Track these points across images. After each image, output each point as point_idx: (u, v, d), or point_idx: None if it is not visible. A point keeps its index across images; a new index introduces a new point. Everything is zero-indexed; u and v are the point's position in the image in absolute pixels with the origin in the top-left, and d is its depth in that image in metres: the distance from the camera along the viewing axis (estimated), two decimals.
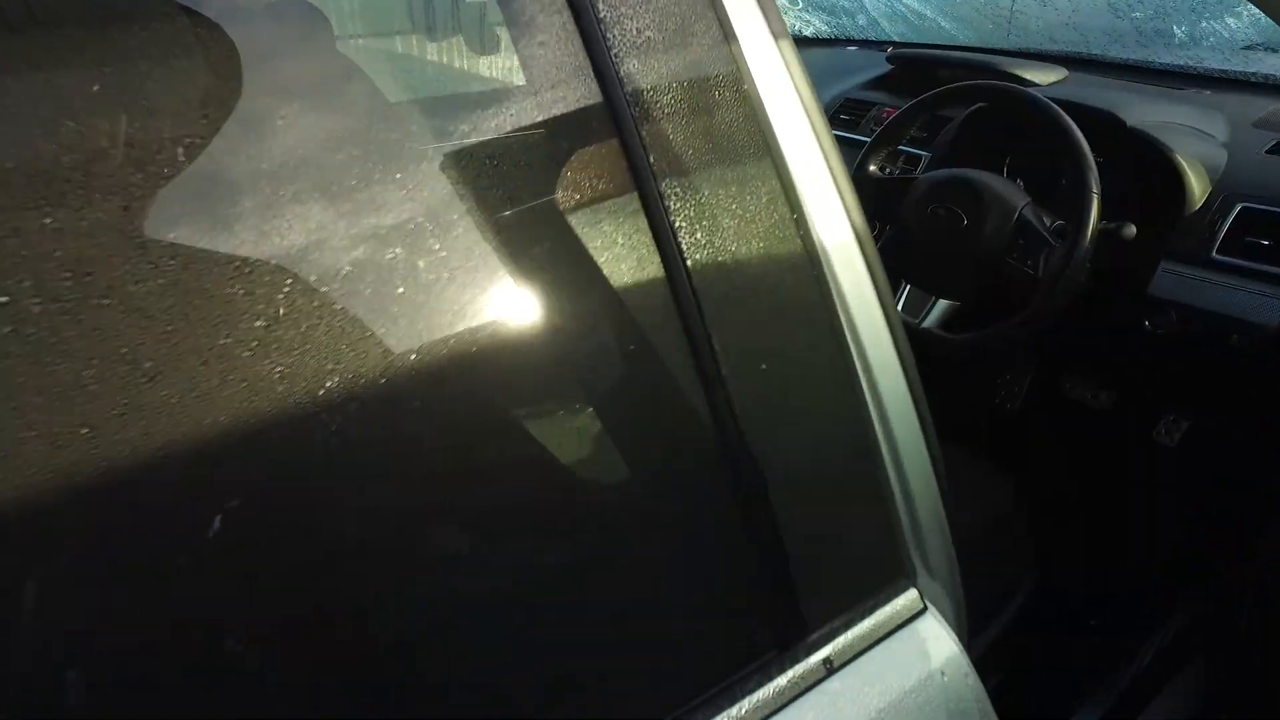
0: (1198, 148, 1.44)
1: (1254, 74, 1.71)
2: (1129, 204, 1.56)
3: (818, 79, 2.17)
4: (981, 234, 1.32)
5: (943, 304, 1.75)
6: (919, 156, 1.80)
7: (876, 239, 1.00)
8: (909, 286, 1.63)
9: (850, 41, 2.57)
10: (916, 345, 0.72)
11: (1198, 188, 1.40)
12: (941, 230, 1.36)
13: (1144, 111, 1.47)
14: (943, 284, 1.42)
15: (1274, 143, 1.46)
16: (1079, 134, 1.23)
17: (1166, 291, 1.43)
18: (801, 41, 2.71)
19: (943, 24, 2.33)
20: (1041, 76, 1.84)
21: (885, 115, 1.92)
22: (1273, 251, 1.33)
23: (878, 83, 2.13)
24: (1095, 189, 1.20)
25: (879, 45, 2.50)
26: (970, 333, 1.36)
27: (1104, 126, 1.54)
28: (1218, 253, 1.37)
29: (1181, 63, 1.84)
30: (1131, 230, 1.30)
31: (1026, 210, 1.30)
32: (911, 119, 1.47)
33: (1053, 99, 1.54)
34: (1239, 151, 1.46)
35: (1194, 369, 1.51)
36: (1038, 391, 2.11)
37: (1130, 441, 1.77)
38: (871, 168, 1.51)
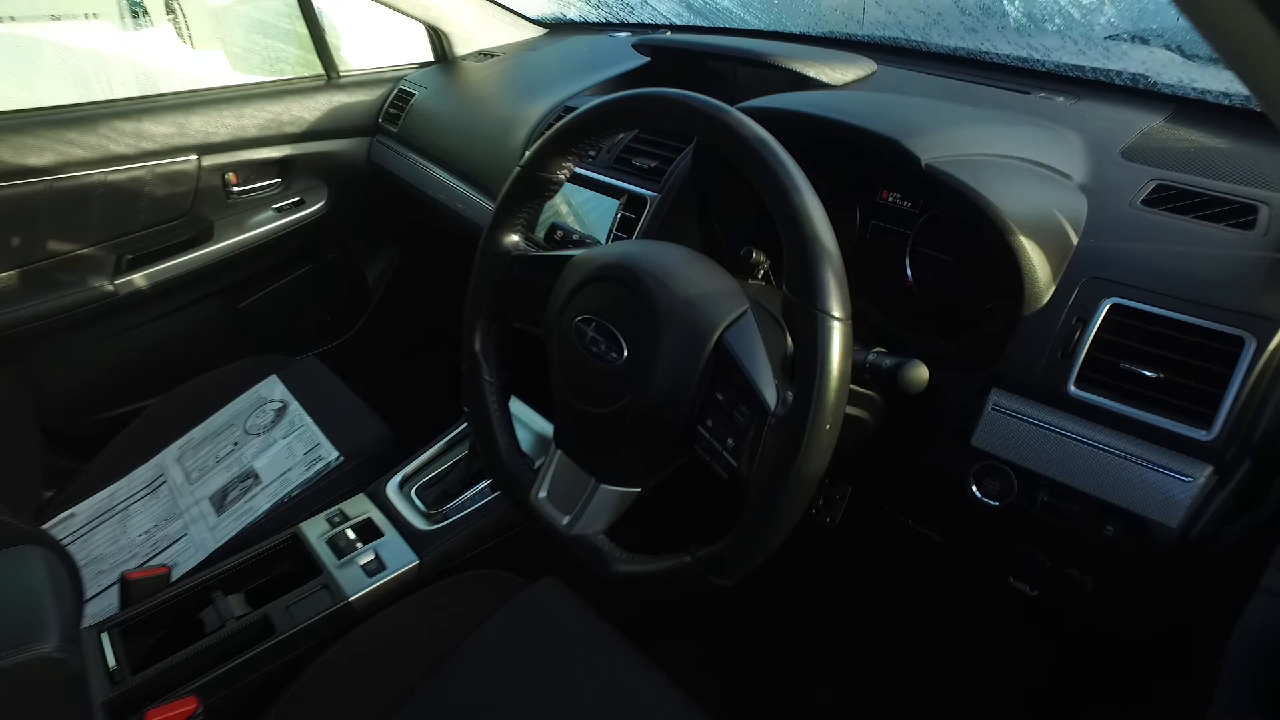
0: (1042, 199, 0.86)
1: (1120, 73, 1.16)
2: (927, 301, 0.97)
3: (564, 74, 1.50)
4: (648, 383, 0.69)
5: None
6: (642, 199, 1.17)
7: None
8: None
9: (622, 26, 1.94)
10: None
11: (1041, 271, 0.81)
12: (591, 368, 0.74)
13: (964, 137, 0.88)
14: (602, 460, 0.78)
15: (1152, 186, 0.90)
16: (801, 191, 0.62)
17: (996, 445, 0.84)
18: (563, 27, 2.06)
19: (728, 5, 1.72)
20: (837, 73, 1.24)
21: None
22: (1166, 387, 0.75)
23: (622, 83, 1.50)
24: (832, 303, 0.60)
25: (654, 29, 1.88)
26: (637, 563, 0.74)
27: (884, 167, 0.94)
28: (1076, 385, 0.79)
29: (1024, 54, 1.28)
30: (921, 375, 0.70)
31: (731, 339, 0.68)
32: (556, 154, 0.83)
33: (816, 110, 0.93)
34: (1104, 202, 0.88)
35: (1054, 550, 0.93)
36: (860, 508, 1.54)
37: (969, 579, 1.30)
38: (510, 239, 0.87)
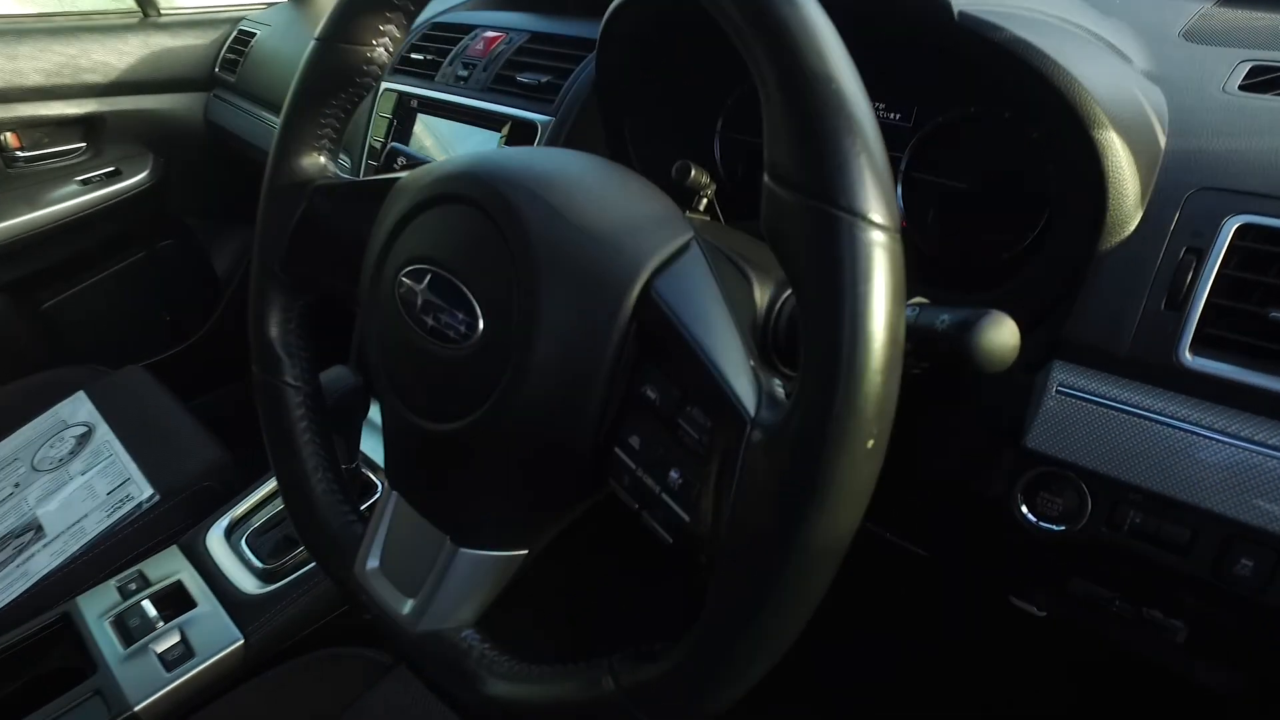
0: (1120, 76, 0.58)
1: None
2: (933, 248, 0.69)
3: None
4: (522, 375, 0.38)
5: None
6: (530, 126, 0.85)
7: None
8: None
9: None
10: None
11: (1130, 181, 0.54)
12: (425, 353, 0.42)
13: None
14: (459, 509, 0.46)
15: (1246, 69, 0.64)
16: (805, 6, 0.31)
17: (1062, 444, 0.57)
18: None
19: None
20: None
21: (482, 47, 0.97)
22: None
23: None
24: (868, 200, 0.29)
25: None
26: (524, 681, 0.43)
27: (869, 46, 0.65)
28: (1192, 350, 0.52)
29: None
30: (1007, 339, 0.40)
31: (666, 290, 0.38)
32: (370, 9, 0.50)
33: None
34: (1184, 91, 0.61)
35: (1129, 585, 0.66)
36: None
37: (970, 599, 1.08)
38: (308, 161, 0.54)
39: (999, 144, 0.65)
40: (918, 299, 0.45)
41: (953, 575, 1.19)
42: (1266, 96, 0.60)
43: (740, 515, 0.33)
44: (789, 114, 0.31)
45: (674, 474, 0.36)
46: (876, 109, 0.72)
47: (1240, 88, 0.61)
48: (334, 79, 0.53)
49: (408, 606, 0.47)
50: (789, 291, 0.49)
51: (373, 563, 0.50)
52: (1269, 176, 0.53)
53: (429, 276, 0.43)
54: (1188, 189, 0.54)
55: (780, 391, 0.36)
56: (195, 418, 1.22)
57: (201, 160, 1.61)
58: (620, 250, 0.39)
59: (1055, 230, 0.58)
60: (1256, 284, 0.51)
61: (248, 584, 0.91)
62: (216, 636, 0.85)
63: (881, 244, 0.30)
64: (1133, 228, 0.54)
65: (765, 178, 0.32)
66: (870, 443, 0.31)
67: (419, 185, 0.45)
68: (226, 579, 0.91)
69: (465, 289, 0.41)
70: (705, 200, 0.62)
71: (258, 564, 0.93)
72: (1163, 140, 0.57)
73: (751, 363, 0.37)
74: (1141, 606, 0.65)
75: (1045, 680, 1.13)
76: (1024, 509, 0.60)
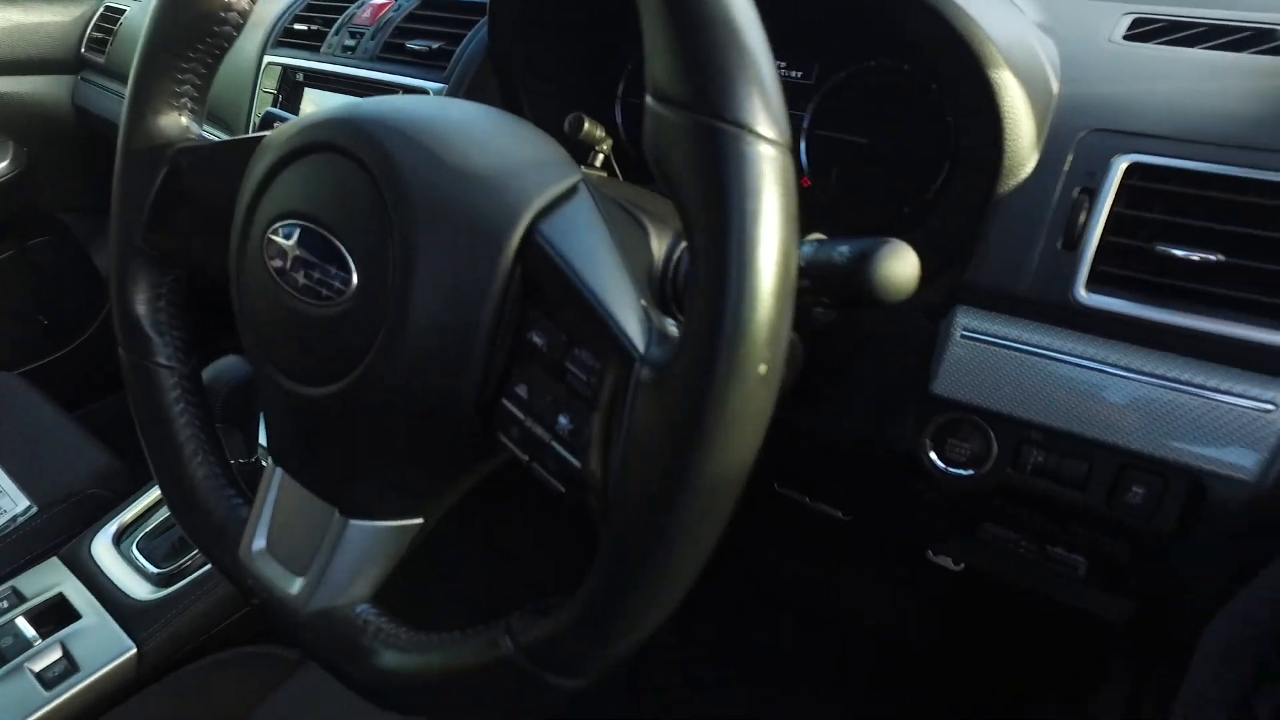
0: (1014, 22, 0.59)
1: None
2: (837, 203, 0.69)
3: None
4: (400, 330, 0.36)
5: None
6: (423, 94, 0.81)
7: None
8: None
9: None
10: None
11: (1025, 124, 0.54)
12: (297, 314, 0.39)
13: None
14: (345, 478, 0.42)
15: (1129, 21, 0.65)
16: None
17: (968, 388, 0.57)
18: None
19: None
20: None
21: (369, 15, 0.92)
22: (1221, 274, 0.50)
23: None
24: (755, 113, 0.28)
25: None
26: (416, 651, 0.40)
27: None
28: (1088, 288, 0.53)
29: None
30: (906, 269, 0.40)
31: (552, 232, 0.35)
32: None
33: None
34: (1072, 41, 0.63)
35: (1034, 527, 0.67)
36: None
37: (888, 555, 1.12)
38: (168, 120, 0.49)
39: (900, 98, 0.65)
40: (815, 235, 0.43)
41: (873, 536, 1.21)
42: (1149, 45, 0.61)
43: (629, 456, 0.31)
44: (668, 25, 0.29)
45: (563, 420, 0.34)
46: (779, 68, 0.71)
47: (1125, 37, 0.63)
48: (188, 29, 0.48)
49: (297, 586, 0.44)
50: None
51: (259, 544, 0.46)
52: (1155, 118, 0.54)
53: (299, 231, 0.39)
54: (1080, 131, 0.55)
55: (673, 330, 0.34)
56: (81, 426, 1.13)
57: (72, 149, 1.49)
58: (501, 193, 0.37)
59: (954, 177, 0.59)
60: (1145, 221, 0.52)
61: (140, 590, 0.84)
62: (105, 648, 0.79)
63: (770, 158, 0.29)
64: (1029, 170, 0.55)
65: (647, 98, 0.30)
66: (763, 368, 0.29)
67: (285, 137, 0.42)
68: (115, 587, 0.84)
69: (338, 242, 0.38)
70: (601, 156, 0.60)
71: (151, 569, 0.87)
72: (1055, 86, 0.58)
73: (643, 302, 0.35)
74: (1045, 546, 0.67)
75: (962, 630, 1.16)
76: (933, 456, 0.61)
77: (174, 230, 0.51)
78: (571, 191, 0.38)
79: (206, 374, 0.81)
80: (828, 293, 0.38)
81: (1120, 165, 0.53)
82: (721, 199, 0.28)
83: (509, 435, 0.37)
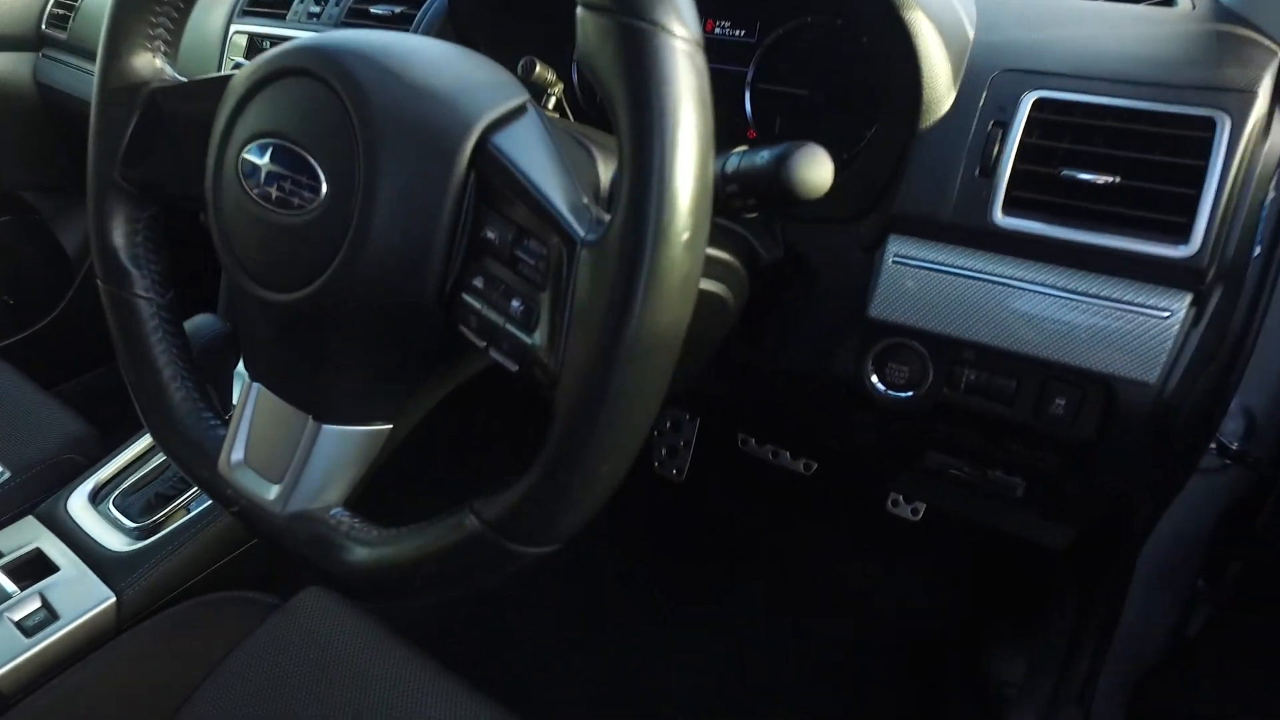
0: None
1: None
2: (802, 126, 0.73)
3: None
4: (366, 232, 0.39)
5: None
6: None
7: None
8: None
9: None
10: None
11: (940, 66, 0.59)
12: (272, 225, 0.42)
13: None
14: (317, 382, 0.46)
15: None
16: None
17: (902, 310, 0.62)
18: None
19: None
20: None
21: None
22: (1122, 195, 0.55)
23: None
24: (665, 11, 0.32)
25: None
26: (388, 543, 0.44)
27: None
28: (1004, 212, 0.58)
29: None
30: (820, 172, 0.44)
31: (503, 142, 0.39)
32: None
33: None
34: None
35: (972, 451, 0.72)
36: (710, 450, 1.32)
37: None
38: (142, 61, 0.52)
39: (834, 51, 0.70)
40: (740, 147, 0.47)
41: (834, 489, 1.26)
42: None
43: (575, 325, 0.35)
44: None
45: (515, 303, 0.38)
46: (722, 27, 0.75)
47: None
48: None
49: (274, 492, 0.47)
50: None
51: (237, 455, 0.49)
52: (1060, 58, 0.59)
53: (271, 149, 0.42)
54: (992, 71, 0.60)
55: (608, 217, 0.38)
56: (53, 398, 1.14)
57: (35, 127, 1.49)
58: (456, 106, 0.40)
59: (881, 119, 0.63)
60: (1053, 150, 0.57)
61: (117, 543, 0.87)
62: (84, 597, 0.81)
63: (684, 51, 0.33)
64: (947, 107, 0.60)
65: (578, 9, 0.34)
66: (685, 235, 0.33)
67: (257, 64, 0.45)
68: (93, 541, 0.86)
69: (308, 156, 0.41)
70: (554, 99, 0.63)
71: (128, 523, 0.89)
72: (971, 33, 0.62)
73: (585, 199, 0.39)
74: (985, 470, 0.72)
75: (918, 575, 1.21)
76: (874, 380, 0.65)
77: (151, 165, 0.54)
78: (520, 110, 0.42)
79: (188, 325, 0.84)
80: (754, 194, 0.43)
81: (1029, 100, 0.57)
82: (642, 86, 0.32)
83: (468, 325, 0.40)
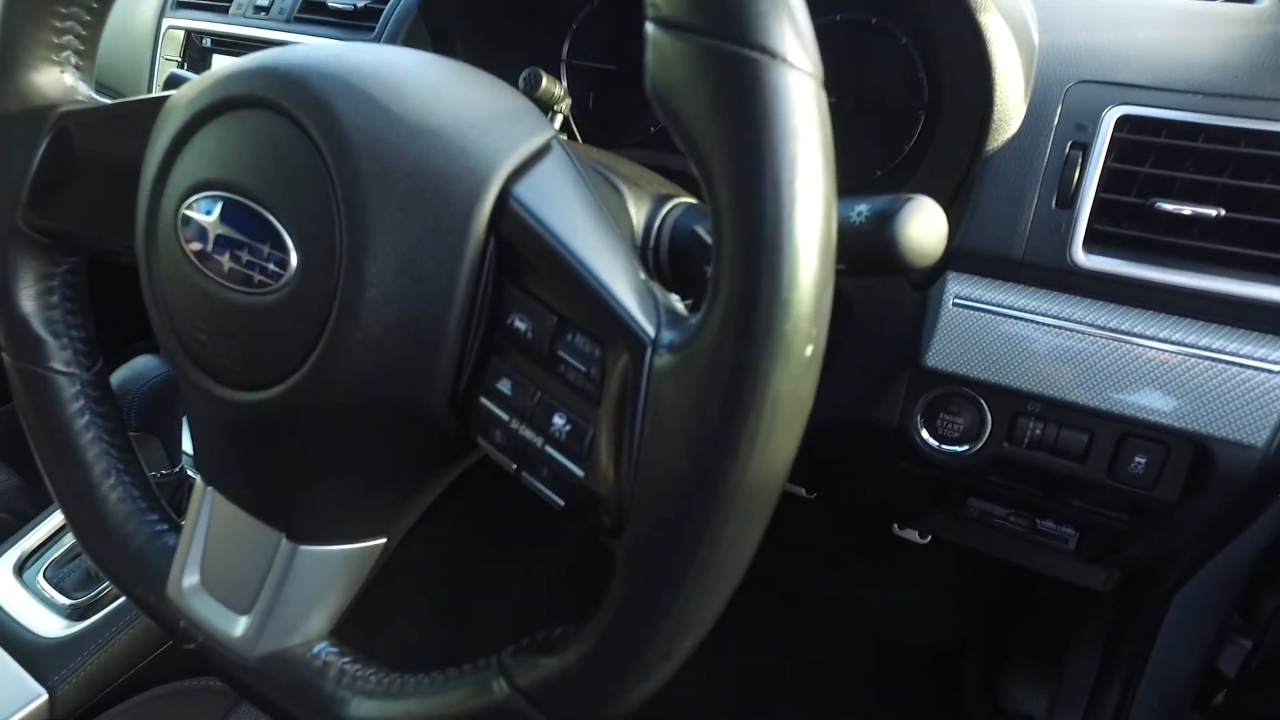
0: None
1: None
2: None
3: None
4: (354, 316, 0.30)
5: None
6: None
7: None
8: None
9: None
10: None
11: (1013, 76, 0.51)
12: (226, 305, 0.33)
13: None
14: (291, 496, 0.36)
15: None
16: None
17: (963, 359, 0.54)
18: None
19: None
20: None
21: None
22: (1222, 229, 0.48)
23: None
24: (777, 35, 0.23)
25: None
26: (392, 698, 0.35)
27: None
28: (1085, 248, 0.50)
29: None
30: (934, 230, 0.36)
31: (529, 197, 0.30)
32: None
33: None
34: None
35: (1023, 501, 0.65)
36: None
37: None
38: (50, 79, 0.42)
39: (866, 52, 0.61)
40: None
41: (838, 513, 1.19)
42: None
43: (649, 460, 0.26)
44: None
45: (558, 420, 0.29)
46: None
47: None
48: None
49: (241, 626, 0.38)
50: (671, 204, 0.42)
51: (191, 579, 0.40)
52: (1142, 67, 0.52)
53: (221, 205, 0.33)
54: (1067, 83, 0.52)
55: (681, 307, 0.29)
56: None
57: None
58: (466, 150, 0.31)
59: (938, 134, 0.55)
60: (1139, 176, 0.50)
61: (48, 626, 0.75)
62: (9, 697, 0.70)
63: (808, 91, 0.24)
64: (1017, 124, 0.52)
65: (647, 24, 0.25)
66: (809, 349, 0.25)
67: (197, 92, 0.35)
68: (18, 624, 0.75)
69: (270, 216, 0.31)
70: (560, 117, 0.54)
71: (61, 600, 0.78)
72: (1037, 36, 0.55)
73: (642, 275, 0.30)
74: (1035, 519, 0.65)
75: (926, 601, 1.16)
76: (924, 434, 0.58)
77: (64, 209, 0.43)
78: (545, 149, 0.33)
79: (116, 377, 0.73)
80: (847, 257, 0.34)
81: (1111, 117, 0.50)
82: (754, 140, 0.23)
83: (491, 440, 0.31)
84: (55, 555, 0.82)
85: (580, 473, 0.28)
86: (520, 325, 0.30)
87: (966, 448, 0.57)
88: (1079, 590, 0.92)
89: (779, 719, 1.08)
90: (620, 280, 0.29)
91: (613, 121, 0.71)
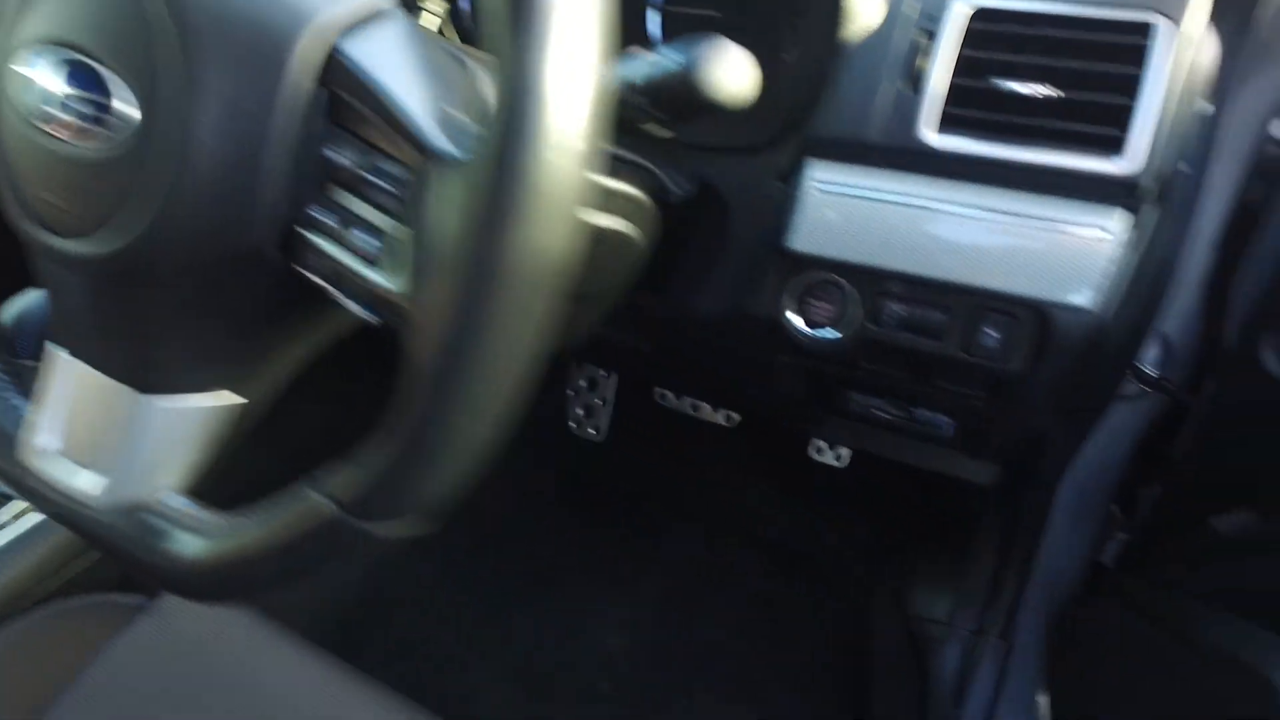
0: None
1: None
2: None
3: None
4: (188, 160, 0.31)
5: None
6: None
7: None
8: None
9: None
10: None
11: None
12: (66, 161, 0.33)
13: None
14: (141, 348, 0.37)
15: None
16: None
17: (826, 242, 0.57)
18: None
19: None
20: None
21: None
22: (1058, 109, 0.51)
23: None
24: None
25: None
26: (219, 533, 0.36)
27: None
28: (941, 130, 0.53)
29: None
30: (735, 74, 0.37)
31: (359, 52, 0.31)
32: None
33: None
34: None
35: (898, 392, 0.68)
36: (629, 407, 1.27)
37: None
38: None
39: None
40: (643, 53, 0.40)
41: (757, 439, 1.23)
42: None
43: (434, 259, 0.28)
44: None
45: (365, 237, 0.31)
46: None
47: None
48: None
49: (93, 482, 0.39)
50: None
51: (45, 440, 0.40)
52: None
53: (56, 61, 0.33)
54: None
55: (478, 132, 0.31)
56: None
57: None
58: (300, 7, 0.32)
59: (799, 30, 0.57)
60: (988, 62, 0.52)
61: None
62: None
63: None
64: (872, 19, 0.54)
65: None
66: (572, 140, 0.26)
67: None
68: None
69: (107, 70, 0.32)
70: (434, 19, 0.55)
71: None
72: None
73: (454, 110, 0.31)
74: (910, 410, 0.68)
75: (840, 521, 1.20)
76: (796, 320, 0.60)
77: None
78: (384, 15, 0.34)
79: (7, 315, 0.72)
80: (663, 105, 0.36)
81: (961, 7, 0.52)
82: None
83: (308, 266, 0.33)
84: None
85: (384, 283, 0.30)
86: (338, 159, 0.32)
87: (836, 333, 0.60)
88: (975, 493, 0.96)
89: (699, 642, 1.11)
90: (424, 107, 0.30)
91: None
